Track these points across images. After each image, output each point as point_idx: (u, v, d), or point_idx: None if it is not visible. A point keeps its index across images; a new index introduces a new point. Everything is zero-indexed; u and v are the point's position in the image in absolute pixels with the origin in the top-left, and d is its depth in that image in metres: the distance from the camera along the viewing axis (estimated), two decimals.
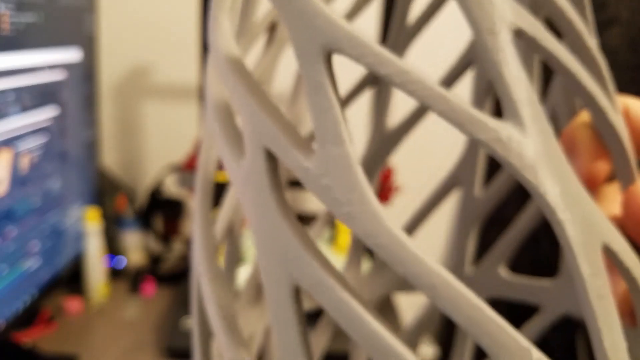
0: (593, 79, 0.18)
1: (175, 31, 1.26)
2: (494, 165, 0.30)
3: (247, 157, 0.16)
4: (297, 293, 0.15)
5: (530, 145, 0.15)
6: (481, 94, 0.33)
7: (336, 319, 0.14)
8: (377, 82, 0.34)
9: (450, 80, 0.32)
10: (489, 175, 0.34)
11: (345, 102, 0.33)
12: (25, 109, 0.74)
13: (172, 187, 1.11)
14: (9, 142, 0.70)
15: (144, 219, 1.12)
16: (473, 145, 0.34)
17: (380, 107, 0.35)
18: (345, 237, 1.04)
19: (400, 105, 0.36)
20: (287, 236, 0.15)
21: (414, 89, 0.14)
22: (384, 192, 0.97)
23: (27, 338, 0.83)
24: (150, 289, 1.00)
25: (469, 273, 0.35)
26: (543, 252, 0.78)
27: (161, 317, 0.92)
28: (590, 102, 0.18)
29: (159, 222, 1.18)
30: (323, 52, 0.15)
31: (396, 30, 0.32)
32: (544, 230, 0.22)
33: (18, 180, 0.73)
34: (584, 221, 0.15)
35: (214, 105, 0.18)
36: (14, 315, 0.74)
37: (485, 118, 0.14)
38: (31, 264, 0.79)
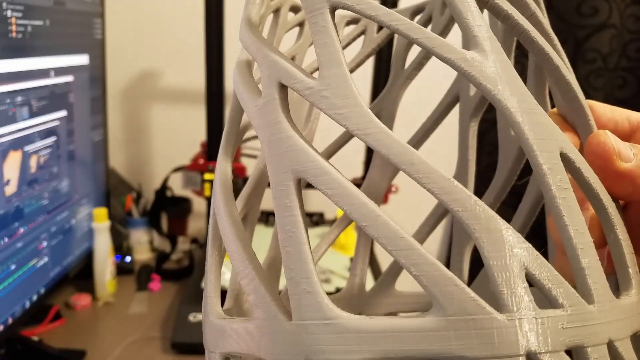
0: (545, 39, 0.20)
1: (182, 36, 1.28)
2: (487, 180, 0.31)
3: (263, 93, 0.19)
4: (299, 184, 0.18)
5: (491, 65, 0.18)
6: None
7: (338, 202, 0.17)
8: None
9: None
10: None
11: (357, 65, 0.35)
12: (33, 111, 0.75)
13: (178, 187, 1.13)
14: (18, 143, 0.72)
15: (151, 218, 1.14)
16: (463, 160, 0.35)
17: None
18: (346, 237, 1.05)
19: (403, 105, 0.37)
20: (294, 139, 0.18)
21: (387, 20, 0.18)
22: None
23: (36, 333, 0.85)
24: (156, 285, 1.02)
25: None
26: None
27: (167, 313, 0.94)
28: (545, 60, 0.20)
29: (165, 221, 1.20)
30: (329, 5, 0.18)
31: None
32: (531, 234, 0.24)
33: (27, 180, 0.75)
34: (541, 127, 0.18)
35: (236, 65, 0.23)
36: (23, 311, 0.76)
37: (454, 45, 0.18)
38: (40, 261, 0.81)
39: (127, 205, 1.13)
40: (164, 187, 1.17)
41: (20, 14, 0.70)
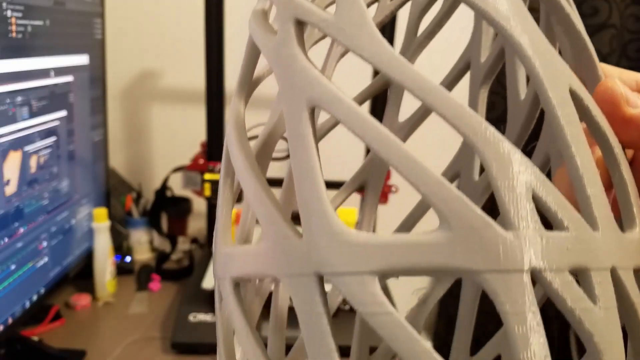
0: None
1: (182, 36, 1.28)
2: None
3: (279, 30, 0.20)
4: (312, 114, 0.19)
5: (504, 3, 0.18)
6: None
7: (351, 127, 0.18)
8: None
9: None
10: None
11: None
12: (33, 111, 0.75)
13: (178, 187, 1.13)
14: (18, 143, 0.72)
15: (151, 218, 1.14)
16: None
17: (393, 102, 0.36)
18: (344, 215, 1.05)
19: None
20: (309, 70, 0.19)
21: None
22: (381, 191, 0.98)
23: (36, 333, 0.85)
24: (156, 285, 1.02)
25: None
26: None
27: (167, 313, 0.94)
28: (555, 7, 0.21)
29: (165, 221, 1.20)
30: None
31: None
32: None
33: (27, 180, 0.75)
34: (551, 64, 0.18)
35: (252, 13, 0.23)
36: (23, 311, 0.76)
37: None
38: (40, 261, 0.81)
39: (127, 205, 1.13)
40: (164, 187, 1.17)
41: (20, 14, 0.70)
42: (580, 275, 0.17)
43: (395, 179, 1.04)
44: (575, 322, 0.17)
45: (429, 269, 0.16)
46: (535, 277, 0.16)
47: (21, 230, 0.75)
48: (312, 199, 0.18)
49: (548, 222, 0.17)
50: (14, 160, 0.72)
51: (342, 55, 0.32)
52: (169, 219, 1.21)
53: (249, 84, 0.24)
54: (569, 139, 0.18)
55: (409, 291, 0.38)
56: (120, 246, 1.13)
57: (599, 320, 0.17)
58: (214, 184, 1.03)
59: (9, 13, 0.67)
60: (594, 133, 0.20)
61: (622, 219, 0.20)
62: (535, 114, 0.28)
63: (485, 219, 0.16)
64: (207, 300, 0.89)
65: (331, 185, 0.36)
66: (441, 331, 1.35)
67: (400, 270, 0.17)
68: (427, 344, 0.16)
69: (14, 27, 0.69)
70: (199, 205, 1.23)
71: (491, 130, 0.17)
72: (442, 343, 1.29)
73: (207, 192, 1.03)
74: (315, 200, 0.18)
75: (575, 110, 0.19)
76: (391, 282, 0.38)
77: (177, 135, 1.35)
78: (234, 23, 1.06)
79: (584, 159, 0.18)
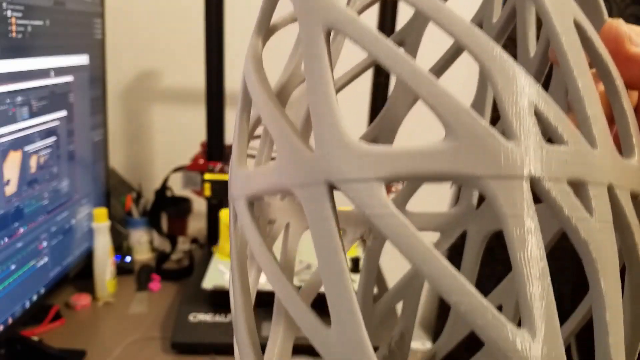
0: None
1: (182, 36, 1.28)
2: None
3: None
4: (328, 36, 0.20)
5: None
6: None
7: (364, 46, 0.19)
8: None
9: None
10: None
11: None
12: (33, 111, 0.75)
13: (178, 187, 1.13)
14: (18, 143, 0.72)
15: (151, 218, 1.14)
16: (482, 87, 0.36)
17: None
18: None
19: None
20: None
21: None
22: None
23: (36, 333, 0.85)
24: (156, 285, 1.02)
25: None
26: None
27: (167, 313, 0.94)
28: None
29: (165, 221, 1.20)
30: None
31: None
32: None
33: (27, 180, 0.75)
34: None
35: None
36: (23, 311, 0.76)
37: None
38: (40, 261, 0.81)
39: (127, 205, 1.13)
40: (164, 187, 1.17)
41: (20, 14, 0.70)
42: (577, 189, 0.18)
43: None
44: (572, 231, 0.17)
45: (433, 175, 0.17)
46: (535, 186, 0.17)
47: (21, 230, 0.75)
48: (324, 112, 0.19)
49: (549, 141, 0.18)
50: (14, 160, 0.72)
51: None
52: (169, 219, 1.21)
53: (267, 26, 0.25)
54: (572, 64, 0.19)
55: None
56: (120, 246, 1.13)
57: (594, 231, 0.18)
58: (214, 184, 1.03)
59: (9, 13, 0.67)
60: (597, 64, 0.21)
61: (621, 149, 0.21)
62: (545, 70, 0.29)
63: (489, 129, 0.17)
64: (207, 300, 0.89)
65: None
66: (440, 331, 1.35)
67: (406, 177, 0.17)
68: (429, 243, 0.17)
69: (14, 27, 0.69)
70: (199, 205, 1.23)
71: (498, 49, 0.18)
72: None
73: (207, 192, 1.03)
74: (328, 113, 0.19)
75: (579, 40, 0.19)
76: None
77: (177, 135, 1.35)
78: (234, 23, 1.06)
79: (585, 82, 0.19)
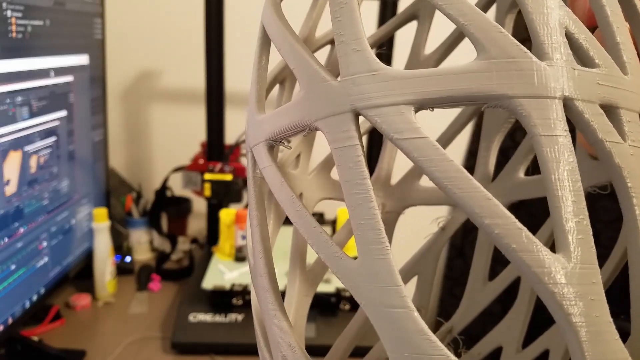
0: None
1: (182, 36, 1.28)
2: None
3: None
4: None
5: None
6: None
7: None
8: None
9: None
10: None
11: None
12: (33, 111, 0.75)
13: (178, 187, 1.13)
14: (18, 144, 0.72)
15: (151, 218, 1.14)
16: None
17: (420, 34, 0.37)
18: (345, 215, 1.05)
19: None
20: None
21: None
22: None
23: (36, 333, 0.85)
24: (156, 285, 1.02)
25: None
26: None
27: (167, 313, 0.94)
28: None
29: (165, 221, 1.20)
30: None
31: None
32: None
33: (27, 180, 0.75)
34: None
35: None
36: (23, 311, 0.76)
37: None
38: (40, 261, 0.81)
39: (127, 205, 1.13)
40: (164, 187, 1.17)
41: (20, 14, 0.70)
42: (610, 114, 0.17)
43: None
44: (605, 155, 0.17)
45: (465, 97, 0.17)
46: (567, 107, 0.16)
47: (21, 230, 0.75)
48: (350, 40, 0.18)
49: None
50: (14, 160, 0.72)
51: None
52: (169, 219, 1.21)
53: None
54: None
55: (429, 221, 0.39)
56: (120, 246, 1.13)
57: (628, 156, 0.17)
58: (214, 184, 1.03)
59: (9, 13, 0.67)
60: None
61: None
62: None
63: (521, 48, 0.16)
64: (207, 300, 0.89)
65: None
66: (442, 314, 1.34)
67: (437, 100, 0.17)
68: (459, 165, 0.16)
69: (14, 27, 0.69)
70: (199, 205, 1.23)
71: None
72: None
73: (207, 192, 1.03)
74: (354, 41, 0.18)
75: None
76: (412, 211, 0.39)
77: (177, 135, 1.35)
78: (234, 23, 1.06)
79: (615, 11, 0.18)
